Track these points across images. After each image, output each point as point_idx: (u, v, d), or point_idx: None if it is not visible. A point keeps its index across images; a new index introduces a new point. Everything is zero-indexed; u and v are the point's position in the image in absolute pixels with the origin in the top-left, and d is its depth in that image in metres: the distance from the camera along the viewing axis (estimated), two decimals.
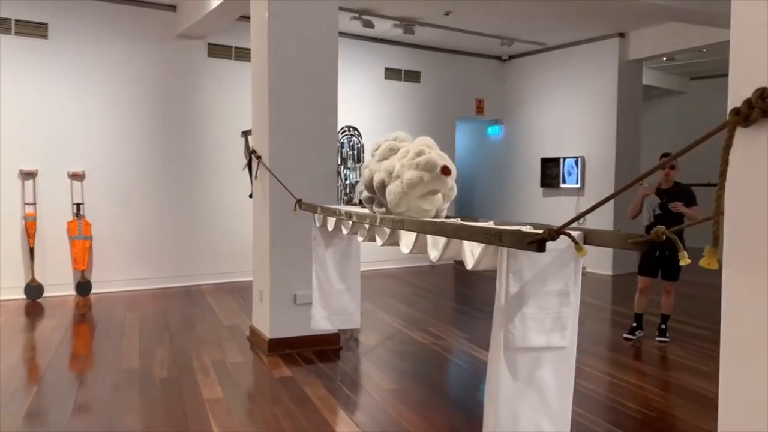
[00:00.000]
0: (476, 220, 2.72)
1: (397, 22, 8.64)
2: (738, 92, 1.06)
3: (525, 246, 1.80)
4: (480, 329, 6.21)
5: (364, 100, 9.67)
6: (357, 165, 9.70)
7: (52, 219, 7.36)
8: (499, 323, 2.04)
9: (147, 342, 5.45)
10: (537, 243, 1.75)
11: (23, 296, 7.19)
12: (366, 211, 3.36)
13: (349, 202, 9.31)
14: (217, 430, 3.60)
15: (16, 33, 7.14)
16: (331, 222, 4.07)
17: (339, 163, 9.23)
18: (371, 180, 3.02)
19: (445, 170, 2.75)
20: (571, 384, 2.10)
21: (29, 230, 7.22)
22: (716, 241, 1.07)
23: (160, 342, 5.46)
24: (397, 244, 2.99)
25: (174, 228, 8.15)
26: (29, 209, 7.26)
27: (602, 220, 8.55)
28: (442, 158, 2.79)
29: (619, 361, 5.09)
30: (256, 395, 4.39)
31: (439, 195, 2.89)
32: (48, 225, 7.36)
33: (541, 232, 1.79)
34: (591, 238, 1.96)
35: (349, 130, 9.56)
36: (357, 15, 8.18)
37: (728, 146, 1.04)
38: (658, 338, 5.62)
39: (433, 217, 2.93)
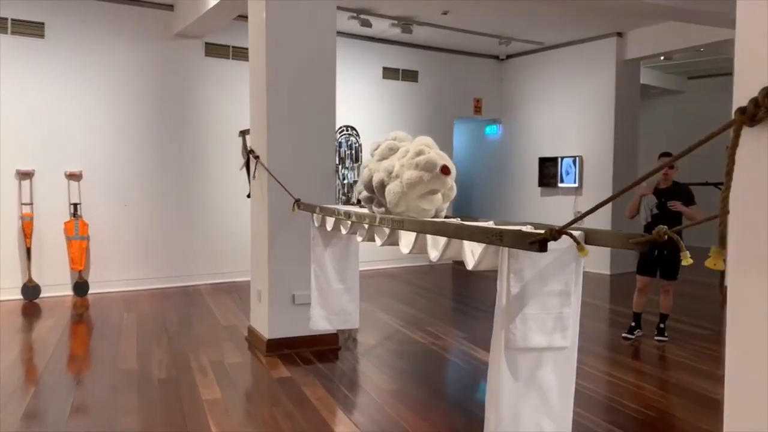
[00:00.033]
0: (476, 220, 2.71)
1: (395, 22, 8.63)
2: (743, 91, 1.05)
3: (527, 246, 1.80)
4: (479, 329, 6.20)
5: (361, 100, 9.66)
6: (355, 164, 9.69)
7: (49, 219, 7.33)
8: (500, 323, 2.03)
9: (145, 342, 5.43)
10: (539, 243, 1.75)
11: (20, 297, 7.17)
12: (365, 211, 3.35)
13: (347, 202, 9.30)
14: (215, 430, 3.59)
15: (13, 32, 7.12)
16: (329, 222, 4.06)
17: (337, 162, 9.22)
18: (370, 180, 3.01)
19: (445, 170, 2.75)
20: (572, 384, 2.10)
21: (26, 230, 7.20)
22: (723, 241, 1.06)
23: (158, 342, 5.44)
24: (397, 244, 2.98)
25: (171, 228, 8.13)
26: (26, 209, 7.23)
27: (600, 220, 8.54)
28: (441, 158, 2.78)
29: (618, 361, 5.08)
30: (255, 396, 4.38)
31: (439, 195, 2.89)
32: (45, 225, 7.33)
33: (542, 232, 1.79)
34: (592, 238, 1.96)
35: (347, 130, 9.55)
36: (355, 14, 8.17)
37: (734, 145, 1.03)
38: (656, 337, 5.62)
39: (433, 217, 2.92)
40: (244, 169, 5.71)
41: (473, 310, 7.25)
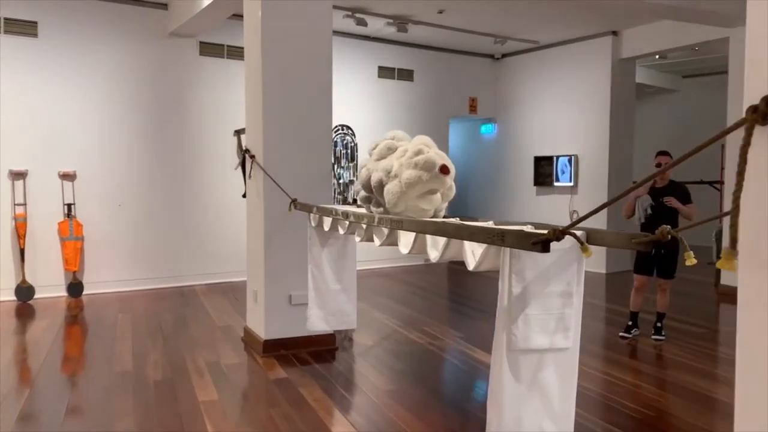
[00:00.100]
0: (475, 220, 2.69)
1: (391, 21, 8.61)
2: (755, 89, 1.03)
3: (529, 246, 1.78)
4: (476, 329, 6.19)
5: (357, 99, 9.63)
6: (351, 164, 9.66)
7: (42, 220, 7.28)
8: (501, 325, 2.01)
9: (140, 343, 5.40)
10: (541, 243, 1.73)
11: (14, 298, 7.11)
12: (363, 211, 3.33)
13: (344, 202, 9.28)
14: None
15: (6, 32, 7.06)
16: (327, 222, 4.04)
17: (332, 162, 9.19)
18: (369, 179, 2.99)
19: (444, 169, 2.73)
20: (574, 385, 2.08)
21: (19, 231, 7.14)
22: (734, 242, 1.04)
23: (153, 343, 5.41)
24: (396, 245, 2.96)
25: (166, 228, 8.08)
26: (19, 210, 7.18)
27: (596, 219, 8.52)
28: (440, 157, 2.76)
29: (615, 360, 5.08)
30: (252, 397, 4.36)
31: (438, 194, 2.87)
32: (39, 226, 7.28)
33: (544, 232, 1.77)
34: (594, 238, 1.94)
35: (343, 129, 9.52)
36: (350, 13, 8.14)
37: (746, 144, 1.01)
38: (653, 336, 5.62)
39: (432, 217, 2.90)
40: (240, 169, 5.68)
41: (470, 309, 7.24)
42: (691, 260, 1.63)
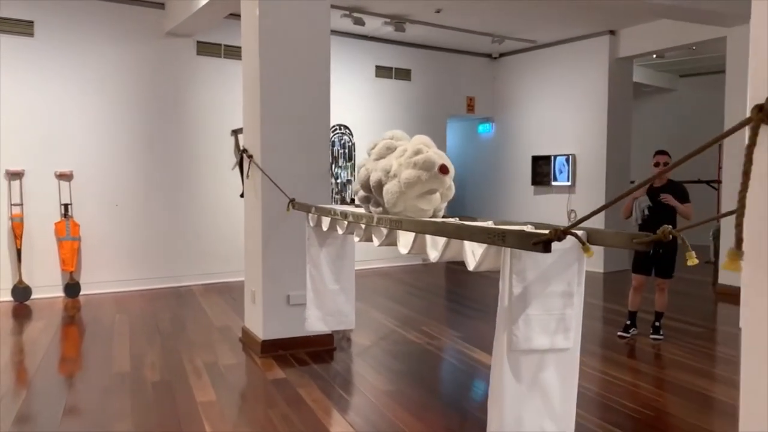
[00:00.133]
0: (475, 220, 2.68)
1: (388, 20, 8.59)
2: (760, 88, 1.02)
3: (530, 246, 1.77)
4: (474, 328, 6.19)
5: (354, 99, 9.62)
6: (348, 163, 9.65)
7: (39, 220, 7.25)
8: (502, 325, 2.00)
9: (138, 344, 5.38)
10: (543, 243, 1.72)
11: (10, 298, 7.08)
12: (362, 210, 3.32)
13: (342, 201, 9.27)
14: None
15: (1, 31, 7.02)
16: (325, 222, 4.02)
17: (330, 161, 9.18)
18: (368, 179, 2.97)
19: (443, 169, 2.72)
20: (575, 386, 2.08)
21: (16, 231, 7.11)
22: (739, 243, 1.03)
23: (151, 344, 5.39)
24: (395, 245, 2.95)
25: (163, 228, 8.06)
26: (16, 210, 7.15)
27: (594, 219, 8.48)
28: (440, 157, 2.75)
29: (614, 359, 5.08)
30: (250, 398, 4.34)
31: (437, 194, 2.86)
32: (35, 226, 7.25)
33: (546, 232, 1.76)
34: (594, 238, 1.94)
35: (340, 129, 9.51)
36: (348, 12, 8.13)
37: (752, 144, 1.00)
38: (652, 336, 5.62)
39: (431, 217, 2.89)
40: (237, 169, 5.66)
41: (468, 309, 7.23)
42: (692, 260, 1.62)
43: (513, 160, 10.93)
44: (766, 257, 1.06)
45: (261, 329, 5.09)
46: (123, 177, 7.78)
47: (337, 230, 3.86)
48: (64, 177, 7.40)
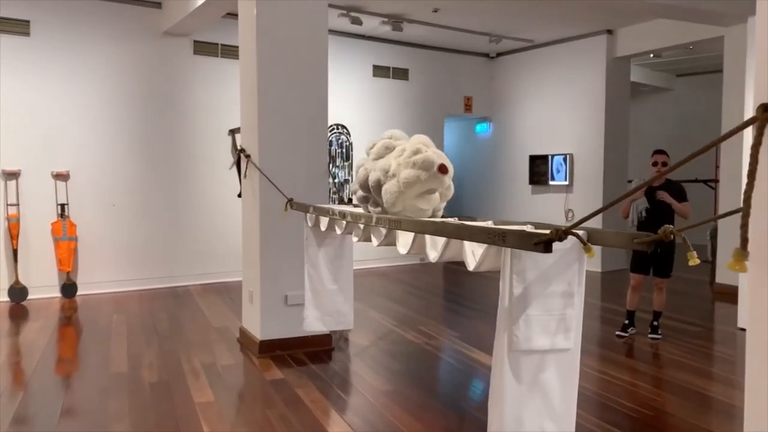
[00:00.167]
0: (474, 220, 2.67)
1: (386, 19, 8.58)
2: (765, 88, 1.01)
3: (531, 247, 1.76)
4: (472, 328, 6.18)
5: (352, 98, 9.61)
6: (346, 163, 9.64)
7: (35, 220, 7.22)
8: (502, 326, 1.99)
9: (135, 345, 5.36)
10: (544, 244, 1.71)
11: (7, 299, 7.05)
12: (361, 210, 3.31)
13: (340, 201, 9.25)
14: None
15: None
16: (323, 222, 4.01)
17: (328, 161, 9.17)
18: (366, 179, 2.96)
19: (443, 169, 2.71)
20: (575, 386, 2.07)
21: (12, 231, 7.09)
22: (745, 243, 1.02)
23: (148, 344, 5.37)
24: (394, 245, 2.94)
25: (161, 228, 8.04)
26: (12, 210, 7.12)
27: (592, 219, 8.53)
28: (439, 156, 2.74)
29: (612, 359, 5.08)
30: (248, 398, 4.33)
31: (436, 194, 2.85)
32: (32, 226, 7.22)
33: (546, 232, 1.75)
34: (595, 238, 1.93)
35: (338, 128, 9.49)
36: (345, 12, 8.12)
37: (758, 144, 0.99)
38: (650, 335, 5.62)
39: (430, 217, 2.88)
40: (235, 168, 5.65)
41: (466, 309, 7.23)
42: (694, 260, 1.61)
43: (510, 159, 10.93)
44: None
45: (259, 329, 5.08)
46: (120, 177, 7.76)
47: (335, 230, 3.85)
48: (61, 177, 7.38)
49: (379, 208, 2.98)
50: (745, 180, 1.00)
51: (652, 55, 10.14)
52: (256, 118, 4.99)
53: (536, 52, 10.42)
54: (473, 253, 2.19)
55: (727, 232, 7.33)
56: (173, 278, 8.04)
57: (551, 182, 10.05)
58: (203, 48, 8.24)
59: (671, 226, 1.67)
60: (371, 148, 3.11)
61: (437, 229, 2.44)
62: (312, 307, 4.45)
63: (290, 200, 4.62)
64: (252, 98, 5.08)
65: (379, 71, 9.98)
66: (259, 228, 5.05)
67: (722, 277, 7.60)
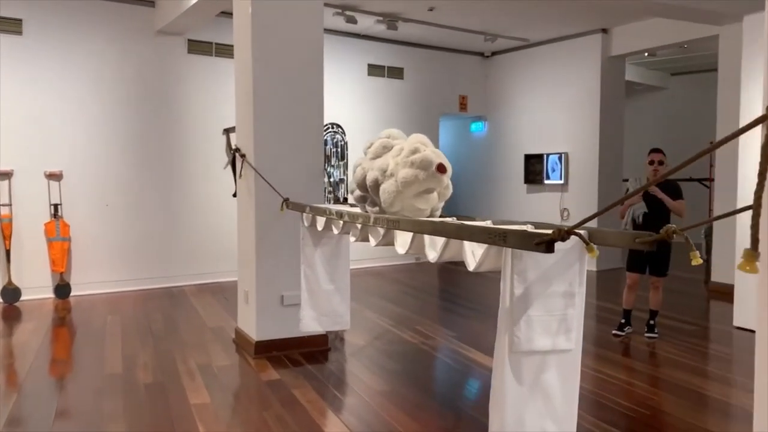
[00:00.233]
0: (473, 219, 2.65)
1: (380, 18, 8.56)
2: None
3: (533, 247, 1.74)
4: (468, 327, 6.17)
5: (347, 97, 9.58)
6: (341, 162, 9.61)
7: (28, 220, 7.16)
8: (503, 326, 1.98)
9: (130, 345, 5.32)
10: (546, 244, 1.69)
11: (0, 300, 7.00)
12: (358, 210, 3.29)
13: (335, 200, 9.23)
14: None
15: None
16: (320, 222, 3.99)
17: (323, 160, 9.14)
18: (364, 179, 2.94)
19: (441, 168, 2.69)
20: (576, 387, 2.06)
21: (5, 232, 7.03)
22: (756, 243, 1.00)
23: (143, 345, 5.33)
24: (392, 245, 2.92)
25: (155, 228, 7.99)
26: (5, 210, 7.06)
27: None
28: (437, 156, 2.73)
29: (609, 358, 5.08)
30: (244, 399, 4.30)
31: (435, 194, 2.83)
32: (25, 226, 7.17)
33: (548, 232, 1.74)
34: (596, 237, 1.91)
35: (333, 127, 9.46)
36: (340, 11, 8.09)
37: None
38: (646, 334, 5.62)
39: (428, 216, 2.86)
40: (230, 168, 5.61)
41: (462, 308, 7.21)
42: (696, 260, 1.60)
43: (506, 158, 10.92)
44: None
45: (254, 330, 5.05)
46: (113, 176, 7.70)
47: (332, 230, 3.83)
48: (54, 177, 7.32)
49: (377, 208, 2.96)
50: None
51: (646, 54, 10.15)
52: (251, 118, 4.96)
53: (531, 51, 10.42)
54: (473, 254, 2.18)
55: (723, 231, 7.34)
56: (168, 278, 7.99)
57: (546, 181, 10.05)
58: (197, 47, 8.19)
59: (674, 225, 1.66)
60: (369, 147, 3.09)
61: (436, 229, 2.42)
62: (308, 308, 4.43)
63: (286, 200, 4.59)
64: (247, 97, 5.05)
65: (374, 70, 9.95)
66: (255, 228, 5.02)
67: (717, 275, 7.62)
